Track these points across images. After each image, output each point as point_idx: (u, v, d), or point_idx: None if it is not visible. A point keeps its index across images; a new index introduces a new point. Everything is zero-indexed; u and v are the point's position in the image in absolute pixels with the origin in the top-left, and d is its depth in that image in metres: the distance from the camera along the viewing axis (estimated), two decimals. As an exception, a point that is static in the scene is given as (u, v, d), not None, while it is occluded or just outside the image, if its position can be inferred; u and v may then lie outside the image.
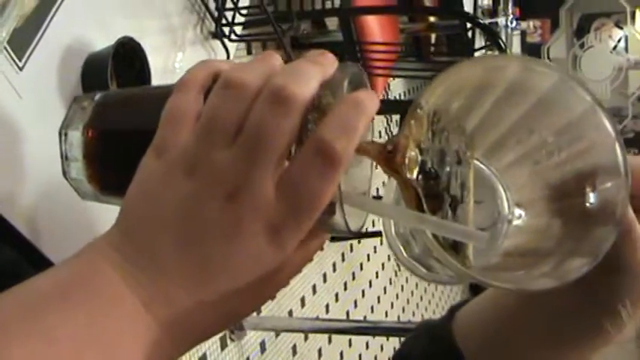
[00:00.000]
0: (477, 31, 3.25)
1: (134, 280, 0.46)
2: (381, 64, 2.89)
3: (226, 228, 0.45)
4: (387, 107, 3.11)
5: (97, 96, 0.64)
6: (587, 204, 0.53)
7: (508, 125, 0.56)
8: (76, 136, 0.62)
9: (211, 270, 0.46)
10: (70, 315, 0.43)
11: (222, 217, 0.45)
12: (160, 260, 0.46)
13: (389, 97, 4.62)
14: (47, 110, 0.82)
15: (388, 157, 0.49)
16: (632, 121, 6.12)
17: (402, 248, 0.61)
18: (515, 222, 0.58)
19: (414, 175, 0.50)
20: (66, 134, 0.62)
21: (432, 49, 4.28)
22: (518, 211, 0.58)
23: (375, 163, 0.52)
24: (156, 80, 0.94)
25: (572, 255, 0.52)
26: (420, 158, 0.50)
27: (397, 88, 5.01)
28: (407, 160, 0.49)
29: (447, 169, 0.53)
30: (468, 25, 3.10)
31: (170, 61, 1.10)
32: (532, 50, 5.89)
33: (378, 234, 2.70)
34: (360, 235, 3.20)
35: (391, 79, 4.23)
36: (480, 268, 0.53)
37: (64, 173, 0.63)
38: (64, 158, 0.63)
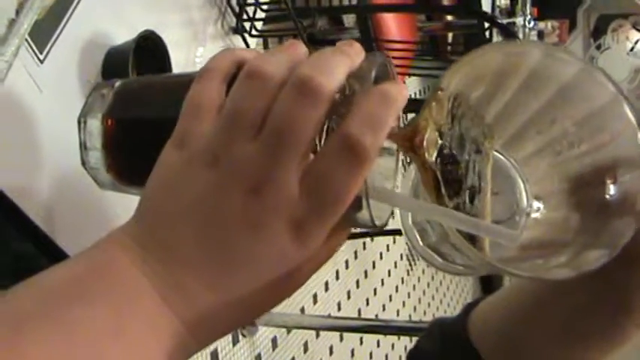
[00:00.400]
0: (495, 30, 3.23)
1: (154, 273, 0.45)
2: (398, 62, 2.88)
3: (248, 223, 0.44)
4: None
5: (117, 83, 0.63)
6: (607, 196, 0.52)
7: (529, 114, 0.55)
8: (95, 124, 0.61)
9: (232, 265, 0.45)
10: (88, 310, 0.42)
11: (244, 211, 0.44)
12: (180, 254, 0.45)
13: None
14: (67, 103, 0.81)
15: (407, 137, 0.48)
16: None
17: (418, 237, 0.60)
18: (534, 214, 0.57)
19: (433, 158, 0.49)
20: (85, 122, 0.61)
21: (449, 48, 4.27)
22: (536, 204, 0.57)
23: (401, 154, 0.51)
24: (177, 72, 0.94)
25: (590, 247, 0.51)
26: (439, 141, 0.49)
27: (413, 87, 5.00)
28: (426, 142, 0.48)
29: (466, 157, 0.52)
30: (486, 24, 3.09)
31: (191, 56, 1.09)
32: (549, 51, 5.85)
33: (393, 232, 2.70)
34: (377, 233, 3.20)
35: (407, 77, 4.22)
36: (498, 259, 0.52)
37: (83, 162, 0.62)
38: (83, 147, 0.62)
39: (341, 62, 0.46)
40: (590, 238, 0.51)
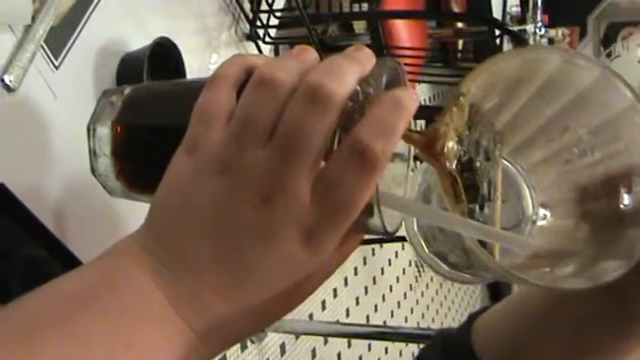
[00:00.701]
0: (505, 38, 3.23)
1: (165, 282, 0.45)
2: (408, 68, 2.88)
3: (260, 231, 0.44)
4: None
5: (127, 90, 0.62)
6: (621, 205, 0.51)
7: (540, 122, 0.55)
8: (104, 131, 0.60)
9: (244, 273, 0.45)
10: (101, 319, 0.42)
11: (255, 219, 0.44)
12: (191, 262, 0.45)
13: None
14: (81, 110, 0.81)
15: (428, 143, 0.48)
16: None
17: (423, 244, 0.59)
18: (540, 222, 0.57)
19: (454, 165, 0.48)
20: (94, 130, 0.61)
21: (459, 55, 4.27)
22: (543, 212, 0.57)
23: (412, 161, 0.51)
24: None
25: (604, 257, 0.50)
26: (459, 148, 0.49)
27: (423, 93, 5.00)
28: (447, 149, 0.48)
29: (478, 164, 0.51)
30: (497, 31, 3.08)
31: (205, 62, 1.09)
32: (559, 58, 5.86)
33: (402, 238, 2.69)
34: (386, 239, 3.19)
35: (417, 84, 4.22)
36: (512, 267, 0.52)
37: (93, 170, 0.62)
38: (93, 154, 0.61)
39: (352, 68, 0.46)
40: (602, 247, 0.51)
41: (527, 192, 0.57)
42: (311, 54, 0.49)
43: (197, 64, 1.06)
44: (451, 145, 0.48)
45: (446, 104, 0.49)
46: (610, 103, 0.51)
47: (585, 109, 0.53)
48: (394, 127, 0.43)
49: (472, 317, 0.69)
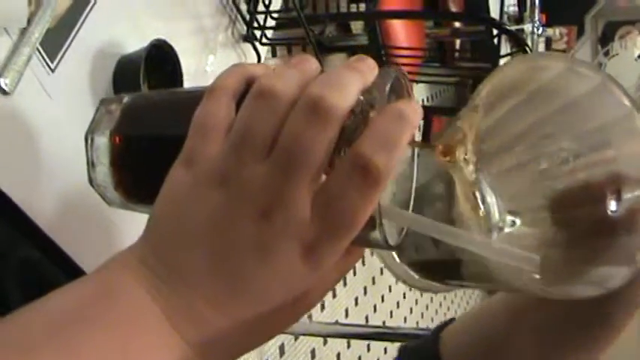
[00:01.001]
0: (503, 37, 3.23)
1: (162, 296, 0.44)
2: (406, 68, 2.87)
3: (259, 246, 0.43)
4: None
5: (125, 99, 0.62)
6: (609, 212, 0.51)
7: (520, 128, 0.55)
8: (102, 141, 0.60)
9: (242, 286, 0.44)
10: (96, 334, 0.42)
11: (255, 234, 0.43)
12: (189, 277, 0.44)
13: (412, 101, 4.60)
14: (78, 112, 0.81)
15: (447, 151, 0.47)
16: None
17: (395, 255, 0.59)
18: (508, 229, 0.56)
19: (474, 173, 0.48)
20: (92, 139, 0.60)
21: (457, 54, 4.27)
22: (511, 219, 0.56)
23: (416, 169, 0.50)
24: (187, 83, 0.94)
25: (600, 263, 0.50)
26: (474, 157, 0.49)
27: (420, 93, 5.00)
28: (467, 157, 0.47)
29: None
30: (494, 31, 3.08)
31: (202, 64, 1.09)
32: (557, 57, 5.86)
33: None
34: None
35: (415, 83, 4.22)
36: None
37: (90, 180, 0.61)
38: (90, 164, 0.60)
39: (353, 80, 0.45)
40: (593, 253, 0.51)
41: (492, 199, 0.57)
42: (311, 63, 0.48)
43: (194, 66, 1.06)
44: (469, 152, 0.48)
45: (462, 110, 0.48)
46: (604, 110, 0.51)
47: (575, 116, 0.52)
48: (397, 140, 0.43)
49: (438, 329, 0.69)
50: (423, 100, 5.04)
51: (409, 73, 2.95)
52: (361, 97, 0.46)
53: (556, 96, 0.52)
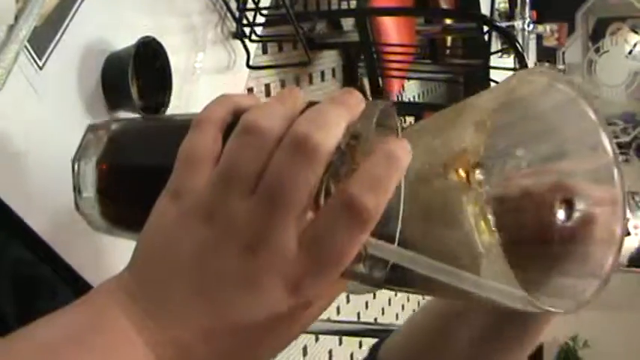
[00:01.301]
0: (494, 34, 3.24)
1: (147, 329, 0.44)
2: (397, 65, 2.88)
3: (244, 280, 0.44)
4: (402, 109, 3.11)
5: (113, 125, 0.61)
6: (558, 222, 0.51)
7: (502, 142, 0.55)
8: (89, 168, 0.59)
9: (227, 321, 0.44)
10: None
11: (239, 269, 0.43)
12: (173, 309, 0.44)
13: (403, 98, 4.61)
14: (66, 110, 0.81)
15: (462, 165, 0.47)
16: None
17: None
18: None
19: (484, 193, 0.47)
20: (79, 166, 0.60)
21: (448, 51, 4.28)
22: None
23: (403, 199, 0.49)
24: (177, 80, 0.93)
25: (558, 274, 0.50)
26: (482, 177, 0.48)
27: (411, 90, 5.00)
28: (479, 177, 0.47)
29: None
30: (485, 28, 3.09)
31: (191, 61, 1.09)
32: (548, 54, 5.87)
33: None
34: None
35: (406, 80, 4.23)
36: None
37: (77, 206, 0.61)
38: (77, 191, 0.60)
39: (340, 116, 0.45)
40: (545, 262, 0.51)
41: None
42: (297, 98, 0.48)
43: (183, 64, 1.06)
44: (481, 173, 0.47)
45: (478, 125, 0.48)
46: (568, 124, 0.51)
47: (535, 127, 0.53)
48: (387, 181, 0.43)
49: (375, 347, 0.70)
50: (414, 97, 5.05)
51: (400, 69, 2.95)
52: (349, 131, 0.45)
53: (525, 108, 0.52)
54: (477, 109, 0.49)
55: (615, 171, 0.51)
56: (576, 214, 0.51)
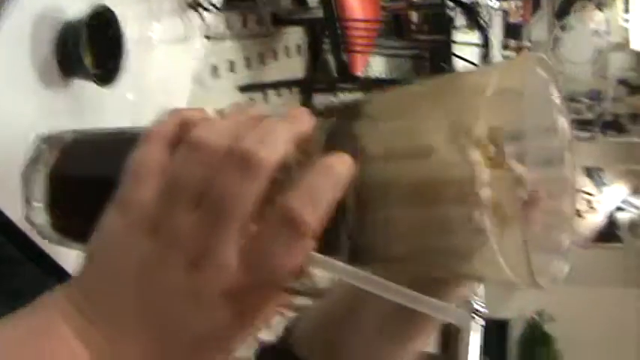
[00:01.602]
0: (458, 10, 3.25)
1: (91, 338, 0.45)
2: (362, 41, 2.88)
3: (187, 293, 0.44)
4: (367, 85, 3.12)
5: (66, 137, 0.61)
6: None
7: None
8: (39, 180, 0.59)
9: (171, 334, 0.45)
10: None
11: (183, 282, 0.44)
12: (118, 321, 0.45)
13: (369, 75, 4.61)
14: (19, 78, 0.81)
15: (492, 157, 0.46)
16: (612, 104, 6.16)
17: None
18: None
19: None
20: (29, 177, 0.60)
21: (413, 27, 4.28)
22: None
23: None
24: (132, 49, 0.93)
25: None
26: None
27: (377, 66, 5.00)
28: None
29: None
30: (450, 4, 3.10)
31: (145, 31, 1.09)
32: (513, 31, 5.88)
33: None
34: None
35: (372, 56, 4.23)
36: None
37: (27, 217, 0.60)
38: (27, 202, 0.59)
39: (287, 134, 0.46)
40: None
41: None
42: (247, 114, 0.48)
43: (137, 34, 1.05)
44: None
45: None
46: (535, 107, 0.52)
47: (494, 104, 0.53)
48: (325, 195, 0.43)
49: (288, 327, 0.71)
50: (380, 74, 5.04)
51: (366, 46, 2.95)
52: (296, 148, 0.46)
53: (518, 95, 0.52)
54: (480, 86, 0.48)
55: (566, 152, 0.51)
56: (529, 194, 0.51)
